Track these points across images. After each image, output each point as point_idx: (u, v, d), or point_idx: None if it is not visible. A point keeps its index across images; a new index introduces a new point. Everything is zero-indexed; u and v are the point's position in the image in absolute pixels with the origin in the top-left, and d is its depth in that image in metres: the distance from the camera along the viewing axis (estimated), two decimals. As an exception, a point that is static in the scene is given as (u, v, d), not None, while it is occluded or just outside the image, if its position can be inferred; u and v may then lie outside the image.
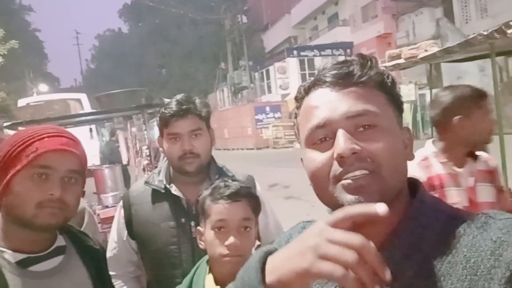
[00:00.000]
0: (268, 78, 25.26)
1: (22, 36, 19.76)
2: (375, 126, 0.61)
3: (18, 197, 0.97)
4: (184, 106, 1.46)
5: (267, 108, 21.24)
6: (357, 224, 0.52)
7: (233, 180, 1.24)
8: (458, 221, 0.61)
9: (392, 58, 4.45)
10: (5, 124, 3.43)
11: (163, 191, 1.49)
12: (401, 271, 0.57)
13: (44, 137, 0.99)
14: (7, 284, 0.95)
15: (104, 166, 4.28)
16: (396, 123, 0.65)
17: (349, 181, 0.59)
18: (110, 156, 7.19)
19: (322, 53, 22.60)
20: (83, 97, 9.82)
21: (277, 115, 20.96)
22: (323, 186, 0.62)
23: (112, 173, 3.71)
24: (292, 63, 22.64)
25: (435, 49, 3.92)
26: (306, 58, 22.88)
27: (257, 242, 1.71)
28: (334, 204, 0.62)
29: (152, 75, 35.73)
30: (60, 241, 1.10)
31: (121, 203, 1.62)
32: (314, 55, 22.76)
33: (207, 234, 1.17)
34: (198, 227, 1.24)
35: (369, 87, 0.64)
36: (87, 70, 50.60)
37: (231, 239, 1.11)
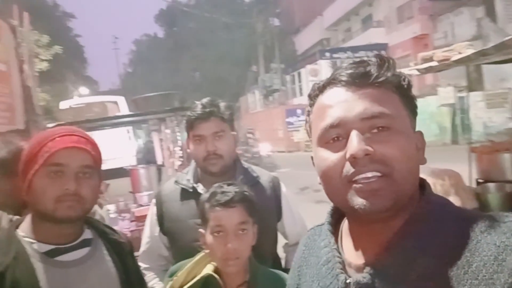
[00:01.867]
0: (299, 80, 25.17)
1: (64, 42, 20.82)
2: (389, 129, 0.60)
3: (39, 194, 1.05)
4: (207, 109, 1.53)
5: (298, 111, 21.14)
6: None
7: (229, 185, 1.29)
8: (463, 224, 0.60)
9: (425, 60, 4.33)
10: (49, 125, 3.67)
11: (190, 190, 1.57)
12: (405, 272, 0.57)
13: (56, 137, 1.07)
14: (35, 272, 1.03)
15: (140, 166, 4.44)
16: (410, 126, 0.64)
17: (361, 184, 0.58)
18: (147, 156, 7.44)
19: (356, 55, 22.20)
20: (121, 99, 10.20)
21: (309, 118, 20.81)
22: (334, 186, 0.62)
23: (147, 173, 3.87)
24: (324, 66, 22.40)
25: (470, 51, 3.78)
26: (338, 60, 22.60)
27: (285, 241, 1.75)
28: (345, 206, 0.62)
29: (186, 78, 36.49)
30: (87, 234, 1.18)
31: (154, 200, 1.70)
32: (347, 57, 22.41)
33: (207, 237, 1.25)
34: (200, 230, 1.30)
35: (385, 89, 0.62)
36: (124, 73, 52.46)
37: (229, 245, 1.19)
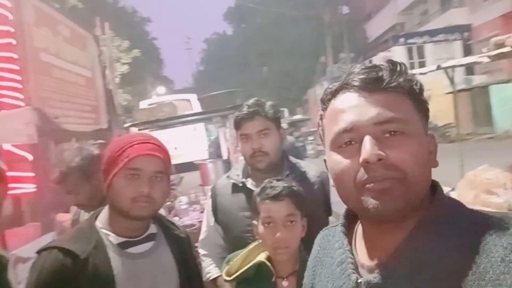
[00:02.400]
0: (370, 70, 24.07)
1: (142, 45, 22.45)
2: (402, 133, 0.61)
3: (117, 193, 1.17)
4: (252, 109, 1.61)
5: (370, 102, 20.28)
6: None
7: (279, 180, 1.38)
8: (473, 226, 0.60)
9: (498, 46, 3.86)
10: (125, 125, 4.03)
11: (240, 184, 1.66)
12: (415, 274, 0.59)
13: (134, 144, 1.18)
14: (110, 261, 1.15)
15: (208, 160, 4.66)
16: (422, 130, 0.65)
17: (373, 184, 0.60)
18: (217, 151, 7.79)
19: (434, 38, 20.59)
20: (193, 97, 10.75)
21: (381, 108, 19.91)
22: (347, 189, 0.64)
23: (214, 167, 4.08)
24: (398, 52, 21.10)
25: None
26: (414, 46, 21.14)
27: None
28: (358, 207, 0.64)
29: (254, 74, 37.09)
30: (152, 229, 1.30)
31: (209, 193, 1.83)
32: (424, 42, 20.87)
33: (259, 228, 1.35)
34: (253, 221, 1.38)
35: (397, 93, 0.64)
36: (197, 72, 55.04)
37: (278, 234, 1.28)
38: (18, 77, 5.20)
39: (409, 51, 21.20)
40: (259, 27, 36.31)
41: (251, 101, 1.66)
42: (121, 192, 1.16)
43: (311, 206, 1.42)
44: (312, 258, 0.83)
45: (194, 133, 5.73)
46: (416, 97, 0.65)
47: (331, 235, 0.80)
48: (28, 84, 4.78)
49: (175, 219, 4.36)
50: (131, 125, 3.73)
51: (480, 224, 0.60)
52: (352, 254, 0.69)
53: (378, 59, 22.13)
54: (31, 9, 4.67)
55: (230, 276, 1.35)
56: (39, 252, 1.16)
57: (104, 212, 1.25)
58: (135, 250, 1.21)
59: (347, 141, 0.63)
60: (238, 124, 1.65)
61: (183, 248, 1.34)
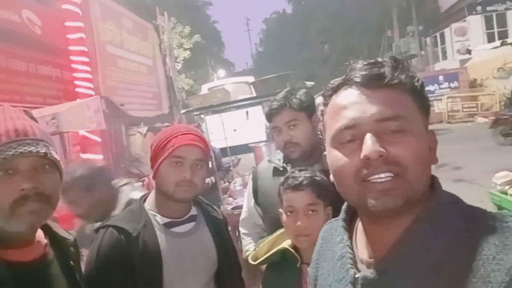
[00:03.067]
0: (442, 42, 22.15)
1: (204, 29, 22.96)
2: (403, 131, 0.62)
3: (163, 178, 1.31)
4: (279, 103, 1.64)
5: (440, 78, 18.76)
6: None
7: (301, 170, 1.42)
8: (468, 223, 0.61)
9: None
10: (182, 111, 4.24)
11: (281, 168, 1.71)
12: (410, 270, 0.60)
13: (178, 135, 1.32)
14: (157, 239, 1.29)
15: (262, 143, 4.75)
16: (423, 126, 0.66)
17: (373, 184, 0.61)
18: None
19: (518, 4, 18.30)
20: (252, 79, 10.87)
21: (453, 84, 18.34)
22: (347, 186, 0.65)
23: (267, 150, 4.15)
24: (474, 22, 19.11)
25: None
26: (494, 14, 18.96)
27: None
28: (357, 204, 0.66)
29: (314, 52, 36.15)
30: (193, 211, 1.43)
31: (250, 176, 1.92)
32: (506, 8, 18.62)
33: (283, 216, 1.41)
34: (280, 209, 1.43)
35: (399, 90, 0.64)
36: (256, 53, 55.15)
37: (298, 223, 1.32)
38: (88, 69, 5.71)
39: (488, 20, 19.07)
40: (320, 2, 35.04)
41: (279, 95, 1.69)
42: (166, 177, 1.30)
43: (339, 195, 1.43)
44: (316, 251, 0.86)
45: (249, 116, 5.85)
46: (417, 94, 0.65)
47: (333, 229, 0.81)
48: (97, 74, 5.22)
49: (230, 200, 4.55)
50: (186, 112, 3.92)
51: (474, 221, 0.61)
52: (352, 249, 0.71)
53: (451, 30, 20.29)
54: (97, 5, 5.04)
55: (255, 260, 1.42)
56: (96, 230, 1.33)
57: (151, 196, 1.40)
58: (178, 229, 1.35)
59: (349, 138, 0.64)
60: (269, 118, 1.71)
61: (220, 229, 1.47)
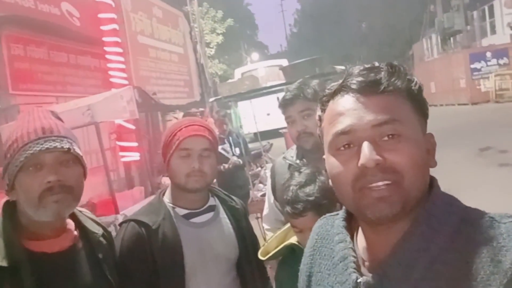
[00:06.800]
0: (491, 16, 20.57)
1: (237, 13, 22.81)
2: (399, 136, 0.62)
3: (174, 170, 1.36)
4: (292, 94, 1.63)
5: (488, 54, 17.54)
6: None
7: (303, 187, 1.33)
8: (466, 225, 0.61)
9: None
10: (210, 100, 4.28)
11: (295, 164, 1.69)
12: (409, 274, 0.60)
13: (182, 128, 1.36)
14: (177, 230, 1.33)
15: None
16: (421, 131, 0.66)
17: (370, 191, 0.61)
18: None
19: None
20: (285, 62, 10.74)
21: (503, 61, 17.12)
22: (344, 192, 0.65)
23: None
24: (528, -9, 17.59)
25: None
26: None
27: None
28: (355, 210, 0.66)
29: (351, 31, 34.91)
30: (212, 201, 1.47)
31: (269, 172, 1.91)
32: None
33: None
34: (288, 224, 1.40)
35: (395, 96, 0.64)
36: (290, 34, 54.12)
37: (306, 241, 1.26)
38: (122, 59, 5.89)
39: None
40: (357, -21, 33.60)
41: (293, 85, 1.67)
42: (177, 169, 1.35)
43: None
44: (309, 246, 0.84)
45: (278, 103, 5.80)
46: (415, 97, 0.66)
47: (329, 225, 0.80)
48: (129, 64, 5.36)
49: (260, 186, 4.58)
50: (214, 100, 3.96)
51: (472, 223, 0.61)
52: (354, 251, 0.71)
53: (501, 3, 18.78)
54: (128, -4, 5.12)
55: (265, 256, 1.42)
56: (120, 224, 1.39)
57: (169, 189, 1.45)
58: (198, 220, 1.39)
59: (345, 144, 0.64)
60: (283, 110, 1.69)
61: (239, 217, 1.49)
